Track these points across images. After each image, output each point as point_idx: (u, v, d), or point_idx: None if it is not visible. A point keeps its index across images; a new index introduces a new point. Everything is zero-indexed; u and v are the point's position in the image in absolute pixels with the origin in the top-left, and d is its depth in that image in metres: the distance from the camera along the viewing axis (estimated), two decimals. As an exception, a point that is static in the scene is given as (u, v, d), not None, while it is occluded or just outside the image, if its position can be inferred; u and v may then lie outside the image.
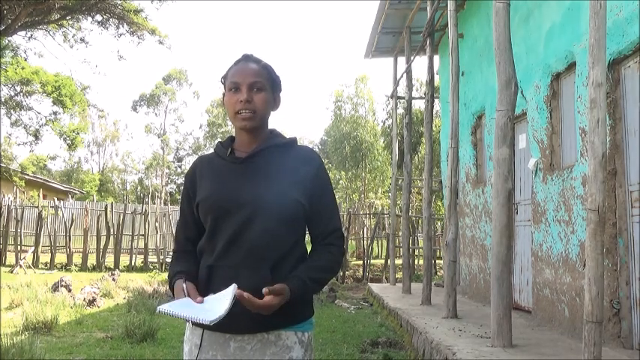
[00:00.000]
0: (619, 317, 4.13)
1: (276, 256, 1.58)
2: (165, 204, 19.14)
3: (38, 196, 20.45)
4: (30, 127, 20.15)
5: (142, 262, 15.47)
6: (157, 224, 16.54)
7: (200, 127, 45.54)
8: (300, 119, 69.30)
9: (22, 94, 19.36)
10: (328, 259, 1.65)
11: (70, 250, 15.05)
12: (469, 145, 7.91)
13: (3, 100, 18.73)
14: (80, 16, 16.89)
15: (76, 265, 14.74)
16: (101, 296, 8.90)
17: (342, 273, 13.23)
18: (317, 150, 40.78)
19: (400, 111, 11.68)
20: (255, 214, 1.57)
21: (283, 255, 1.59)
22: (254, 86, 1.64)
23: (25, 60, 18.82)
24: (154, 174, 44.59)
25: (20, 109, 19.75)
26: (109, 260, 15.11)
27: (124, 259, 15.59)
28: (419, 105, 19.60)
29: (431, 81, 7.24)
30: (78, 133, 20.53)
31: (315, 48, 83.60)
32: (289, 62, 78.41)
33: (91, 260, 14.94)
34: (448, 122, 6.22)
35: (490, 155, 6.77)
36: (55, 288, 9.18)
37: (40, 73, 18.77)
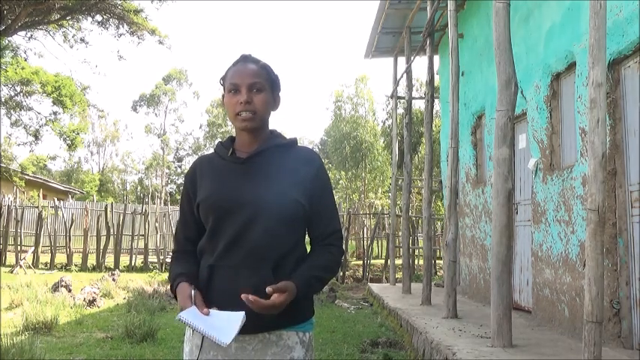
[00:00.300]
0: (619, 317, 4.13)
1: (277, 257, 1.58)
2: (165, 204, 19.14)
3: (38, 196, 20.45)
4: (30, 127, 20.16)
5: (141, 262, 15.47)
6: (156, 224, 16.55)
7: (200, 127, 45.58)
8: (300, 119, 69.36)
9: (22, 94, 19.36)
10: (329, 259, 1.65)
11: (70, 250, 15.05)
12: (469, 145, 7.91)
13: (3, 100, 18.73)
14: (80, 16, 16.89)
15: (76, 266, 14.74)
16: (101, 296, 8.90)
17: (342, 273, 13.23)
18: (317, 150, 40.82)
19: (400, 111, 11.68)
20: (256, 215, 1.58)
21: (284, 255, 1.60)
22: (253, 87, 1.64)
23: (25, 60, 18.82)
24: (154, 174, 44.60)
25: (20, 109, 19.74)
26: (109, 260, 15.11)
27: (124, 260, 15.59)
28: (419, 105, 19.61)
29: (431, 81, 7.24)
30: (78, 133, 20.52)
31: (315, 48, 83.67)
32: (289, 62, 78.49)
33: (91, 260, 14.95)
34: (448, 122, 6.22)
35: (490, 155, 6.77)
36: (55, 288, 9.18)
37: (40, 73, 18.76)
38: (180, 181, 41.69)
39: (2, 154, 20.84)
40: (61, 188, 28.48)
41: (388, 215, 15.38)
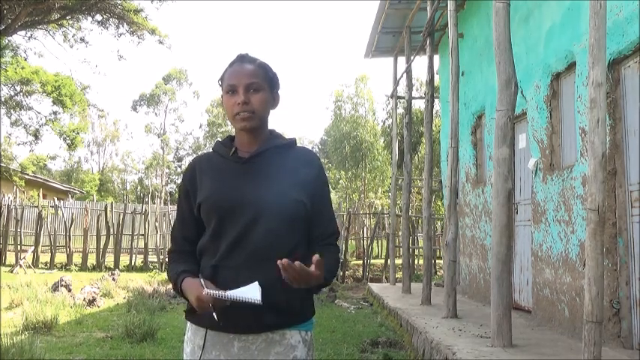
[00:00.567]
0: (619, 317, 4.13)
1: (280, 257, 1.57)
2: (165, 204, 19.13)
3: (38, 195, 20.44)
4: (30, 126, 20.15)
5: (141, 262, 15.47)
6: (156, 224, 16.55)
7: (200, 127, 45.56)
8: (300, 119, 69.33)
9: (22, 93, 19.35)
10: (331, 259, 1.67)
11: (70, 249, 15.05)
12: (469, 145, 7.91)
13: (3, 99, 18.72)
14: (80, 16, 16.88)
15: (76, 265, 14.74)
16: (101, 296, 8.90)
17: (342, 273, 13.23)
18: (317, 150, 40.82)
19: (400, 111, 11.69)
20: (258, 215, 1.58)
21: (286, 256, 1.58)
22: (251, 87, 1.64)
23: (25, 60, 18.81)
24: (153, 174, 44.59)
25: (20, 109, 19.74)
26: (109, 260, 15.11)
27: (124, 259, 15.59)
28: (419, 105, 19.61)
29: (431, 81, 7.24)
30: (78, 133, 20.52)
31: (315, 48, 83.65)
32: (289, 62, 78.47)
33: (91, 260, 14.94)
34: (448, 122, 6.22)
35: (490, 155, 6.77)
36: (55, 288, 9.18)
37: (40, 72, 18.75)
38: (180, 180, 41.58)
39: (2, 153, 20.83)
40: (61, 188, 28.46)
41: (388, 215, 15.38)
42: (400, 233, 11.13)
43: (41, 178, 26.07)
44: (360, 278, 13.58)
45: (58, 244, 15.51)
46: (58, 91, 18.73)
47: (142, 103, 43.17)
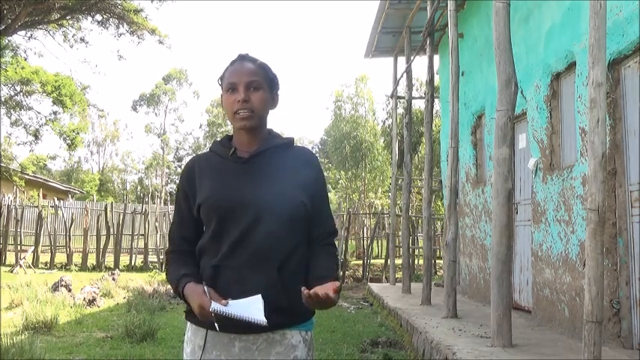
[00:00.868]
0: (619, 317, 4.13)
1: (281, 257, 1.59)
2: (165, 204, 19.13)
3: (38, 195, 20.44)
4: (30, 126, 20.15)
5: (141, 262, 15.47)
6: (156, 224, 16.55)
7: (200, 127, 45.55)
8: (300, 119, 69.36)
9: (22, 93, 19.35)
10: (332, 261, 1.69)
11: (70, 249, 15.05)
12: (469, 145, 7.91)
13: (3, 99, 18.72)
14: (80, 16, 16.87)
15: (75, 265, 14.74)
16: (101, 296, 8.90)
17: (342, 273, 13.22)
18: (317, 150, 40.82)
19: (400, 111, 11.68)
20: (259, 216, 1.58)
21: (287, 255, 1.60)
22: (251, 85, 1.64)
23: (25, 60, 18.80)
24: (153, 174, 44.59)
25: (20, 109, 19.73)
26: (109, 260, 15.11)
27: (124, 259, 15.59)
28: (419, 105, 19.60)
29: (431, 81, 7.24)
30: (78, 133, 20.51)
31: (315, 48, 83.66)
32: (289, 62, 78.48)
33: (91, 260, 14.94)
34: (448, 122, 6.22)
35: (490, 155, 6.77)
36: (55, 288, 9.18)
37: (40, 72, 18.75)
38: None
39: (2, 153, 20.83)
40: (61, 188, 28.46)
41: (388, 215, 15.38)
42: (400, 233, 11.13)
43: (41, 178, 26.07)
44: (360, 278, 13.58)
45: (58, 244, 15.51)
46: (58, 91, 18.73)
47: (141, 103, 43.17)
